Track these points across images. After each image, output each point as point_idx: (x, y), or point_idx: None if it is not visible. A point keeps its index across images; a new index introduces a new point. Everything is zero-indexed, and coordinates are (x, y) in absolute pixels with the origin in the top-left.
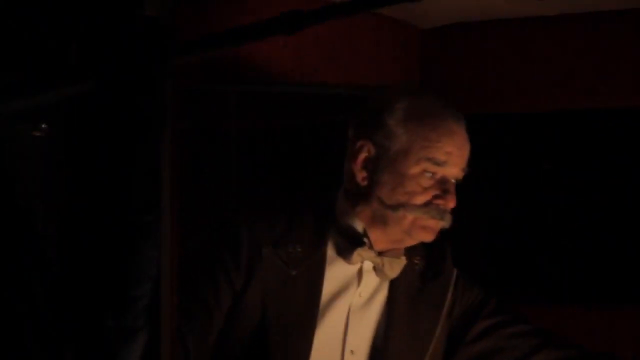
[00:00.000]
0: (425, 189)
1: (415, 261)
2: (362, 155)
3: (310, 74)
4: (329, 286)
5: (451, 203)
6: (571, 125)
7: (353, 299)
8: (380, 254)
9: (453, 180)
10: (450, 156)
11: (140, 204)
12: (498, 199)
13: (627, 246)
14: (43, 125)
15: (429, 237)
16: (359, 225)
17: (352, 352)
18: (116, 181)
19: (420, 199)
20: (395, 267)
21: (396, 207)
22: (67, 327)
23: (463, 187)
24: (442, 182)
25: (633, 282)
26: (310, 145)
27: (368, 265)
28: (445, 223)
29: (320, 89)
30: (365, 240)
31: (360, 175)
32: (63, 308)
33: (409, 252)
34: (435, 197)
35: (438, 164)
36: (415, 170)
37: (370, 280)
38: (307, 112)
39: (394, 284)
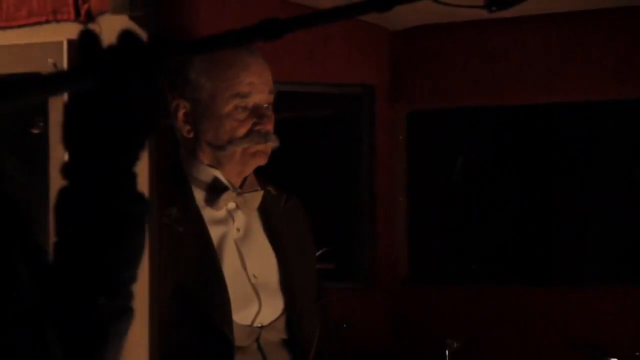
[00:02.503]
0: (243, 121)
1: (270, 190)
2: (181, 112)
3: (288, 72)
4: (212, 231)
5: (268, 125)
6: (529, 118)
7: (234, 234)
8: (239, 194)
9: (265, 105)
10: (253, 86)
11: (131, 195)
12: (465, 187)
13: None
14: (40, 123)
15: (262, 161)
16: (219, 175)
17: (254, 276)
18: (110, 173)
19: (241, 132)
20: (255, 199)
21: (224, 146)
22: (50, 309)
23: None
24: (255, 110)
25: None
26: (289, 139)
27: (232, 205)
28: (272, 143)
29: (297, 86)
30: (227, 184)
31: (185, 129)
32: (50, 290)
33: (264, 183)
34: (254, 124)
35: (244, 96)
36: (227, 109)
37: (240, 215)
38: (285, 108)
39: (263, 212)
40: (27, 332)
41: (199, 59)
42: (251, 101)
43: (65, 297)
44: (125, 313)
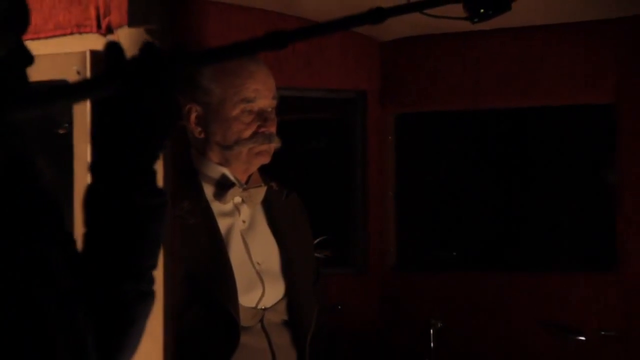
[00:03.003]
0: (249, 124)
1: (273, 185)
2: (193, 116)
3: (288, 79)
4: (220, 222)
5: (272, 127)
6: (506, 120)
7: (240, 226)
8: (245, 189)
9: (269, 109)
10: (258, 92)
11: (152, 190)
12: (450, 182)
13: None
14: (66, 125)
15: (265, 160)
16: (226, 172)
17: (258, 263)
18: (133, 170)
19: (247, 133)
20: (259, 194)
21: (231, 146)
22: (81, 293)
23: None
24: (260, 114)
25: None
26: (289, 140)
27: (238, 199)
28: (275, 144)
29: (297, 92)
30: (234, 180)
31: (197, 131)
32: (81, 276)
33: (266, 179)
34: (259, 126)
35: (250, 101)
36: (235, 112)
37: (245, 208)
38: (286, 112)
39: (266, 206)
40: (61, 314)
41: (210, 67)
42: (256, 106)
43: (95, 283)
44: (148, 296)
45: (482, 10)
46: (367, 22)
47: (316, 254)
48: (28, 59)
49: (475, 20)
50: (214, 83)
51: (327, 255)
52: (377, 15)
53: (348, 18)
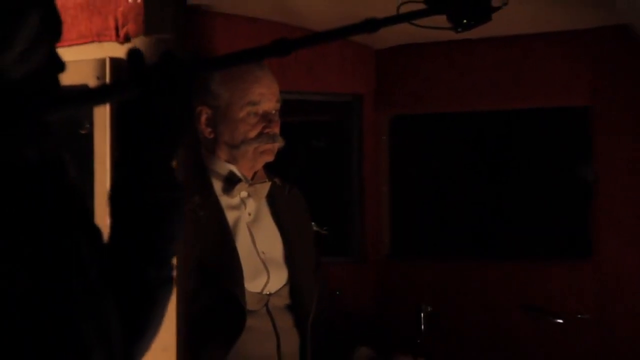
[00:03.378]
0: (254, 125)
1: (276, 181)
2: (203, 117)
3: (291, 83)
4: (228, 215)
5: (276, 128)
6: (492, 121)
7: (246, 218)
8: (251, 185)
9: (273, 111)
10: (263, 96)
11: (172, 184)
12: (440, 178)
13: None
14: (87, 125)
15: (270, 158)
16: (234, 169)
17: (263, 252)
18: (154, 167)
19: (253, 133)
20: (263, 189)
21: (238, 145)
22: (107, 281)
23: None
24: (265, 115)
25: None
26: (292, 140)
27: (244, 193)
28: (278, 143)
29: (299, 95)
30: (241, 176)
31: (207, 131)
32: (107, 265)
33: (271, 176)
34: (264, 127)
35: (256, 103)
36: (241, 114)
37: (251, 202)
38: (289, 114)
39: (270, 200)
40: (89, 300)
41: (219, 73)
42: (261, 108)
43: (121, 270)
44: (169, 282)
45: (464, 21)
46: (362, 31)
47: (315, 228)
48: (60, 66)
49: (459, 30)
50: (223, 87)
51: (325, 234)
52: (372, 25)
53: (346, 28)
